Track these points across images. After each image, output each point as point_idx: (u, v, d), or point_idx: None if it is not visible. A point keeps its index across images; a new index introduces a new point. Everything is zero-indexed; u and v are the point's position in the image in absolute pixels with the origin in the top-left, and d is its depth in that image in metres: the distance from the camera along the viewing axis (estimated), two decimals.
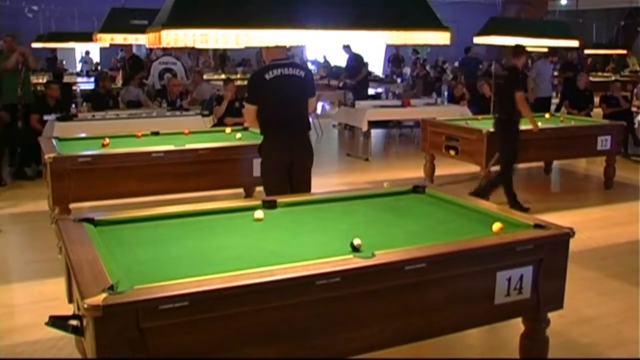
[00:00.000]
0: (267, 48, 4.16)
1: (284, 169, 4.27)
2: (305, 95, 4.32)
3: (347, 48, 11.18)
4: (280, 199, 3.45)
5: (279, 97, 4.18)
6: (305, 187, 4.24)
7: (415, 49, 17.79)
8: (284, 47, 4.37)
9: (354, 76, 11.17)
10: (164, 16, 2.42)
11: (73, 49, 17.30)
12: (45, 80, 11.78)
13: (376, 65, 19.18)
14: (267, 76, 4.16)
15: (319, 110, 12.35)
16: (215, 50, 17.77)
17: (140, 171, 4.87)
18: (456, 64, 15.14)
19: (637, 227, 5.59)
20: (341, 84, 11.75)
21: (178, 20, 2.35)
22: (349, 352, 2.52)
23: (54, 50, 15.43)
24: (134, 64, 10.49)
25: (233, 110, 7.74)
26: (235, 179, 5.36)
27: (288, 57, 4.54)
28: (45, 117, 7.33)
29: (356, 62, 11.34)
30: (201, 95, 9.80)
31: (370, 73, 16.16)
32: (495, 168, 6.29)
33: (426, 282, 2.59)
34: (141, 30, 4.30)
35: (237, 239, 2.87)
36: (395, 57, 17.39)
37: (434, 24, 2.73)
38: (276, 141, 4.29)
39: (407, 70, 16.74)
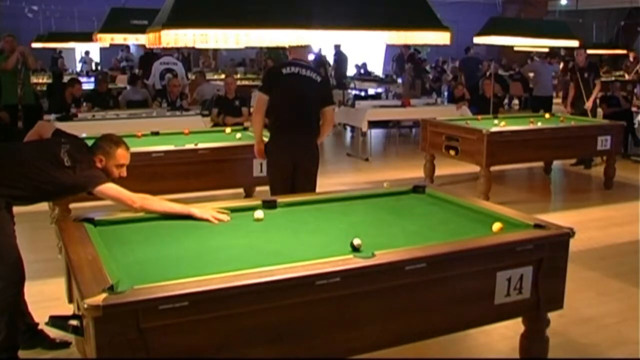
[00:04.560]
0: (292, 47, 4.26)
1: (287, 169, 4.30)
2: (316, 98, 4.36)
3: (337, 47, 12.05)
4: (280, 199, 3.45)
5: (290, 93, 4.25)
6: (309, 190, 4.25)
7: (416, 48, 17.77)
8: (306, 50, 4.51)
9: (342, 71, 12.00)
10: (164, 16, 2.42)
11: (73, 49, 17.31)
12: (45, 80, 11.81)
13: (376, 65, 19.16)
14: (284, 70, 4.31)
15: None
16: (215, 51, 17.78)
17: (140, 171, 4.83)
18: (456, 63, 15.14)
19: (637, 227, 5.58)
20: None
21: (178, 20, 2.35)
22: (349, 352, 2.52)
23: (59, 51, 15.43)
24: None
25: (233, 110, 7.72)
26: (235, 179, 5.36)
27: (309, 61, 4.64)
28: (46, 117, 7.33)
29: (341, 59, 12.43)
30: (202, 96, 9.80)
31: (369, 73, 16.24)
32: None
33: (426, 282, 2.59)
34: (141, 30, 4.30)
35: (237, 239, 2.87)
36: (400, 56, 17.40)
37: (434, 24, 2.73)
38: (280, 140, 4.33)
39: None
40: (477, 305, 2.74)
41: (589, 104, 8.28)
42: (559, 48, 9.94)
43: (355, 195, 3.66)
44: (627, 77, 14.63)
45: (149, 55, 11.59)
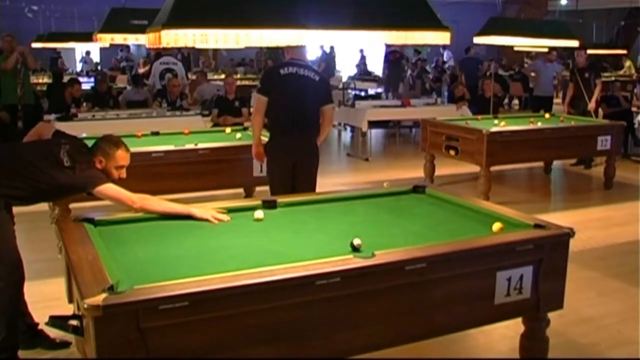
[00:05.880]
0: (289, 46, 4.25)
1: (287, 169, 4.30)
2: (316, 98, 4.36)
3: (323, 47, 12.45)
4: (280, 199, 3.45)
5: (289, 94, 4.26)
6: (309, 190, 4.25)
7: (416, 49, 17.78)
8: (303, 49, 4.50)
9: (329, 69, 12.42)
10: (164, 16, 2.42)
11: (73, 49, 17.31)
12: (45, 80, 11.81)
13: (376, 65, 19.14)
14: (282, 71, 4.30)
15: None
16: (215, 51, 17.78)
17: (140, 171, 4.82)
18: (449, 58, 15.13)
19: (637, 227, 5.58)
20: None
21: (178, 20, 2.35)
22: (349, 352, 2.52)
23: (58, 51, 15.42)
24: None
25: (233, 110, 7.72)
26: (235, 179, 5.36)
27: (306, 60, 4.65)
28: (46, 117, 7.33)
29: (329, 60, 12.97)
30: (202, 96, 9.80)
31: (369, 73, 16.23)
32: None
33: (426, 282, 2.59)
34: (141, 30, 4.30)
35: (237, 239, 2.87)
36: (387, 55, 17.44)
37: (434, 24, 2.73)
38: (280, 140, 4.33)
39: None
40: (477, 305, 2.74)
41: (592, 105, 8.26)
42: (558, 48, 9.94)
43: (355, 195, 3.66)
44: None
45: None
